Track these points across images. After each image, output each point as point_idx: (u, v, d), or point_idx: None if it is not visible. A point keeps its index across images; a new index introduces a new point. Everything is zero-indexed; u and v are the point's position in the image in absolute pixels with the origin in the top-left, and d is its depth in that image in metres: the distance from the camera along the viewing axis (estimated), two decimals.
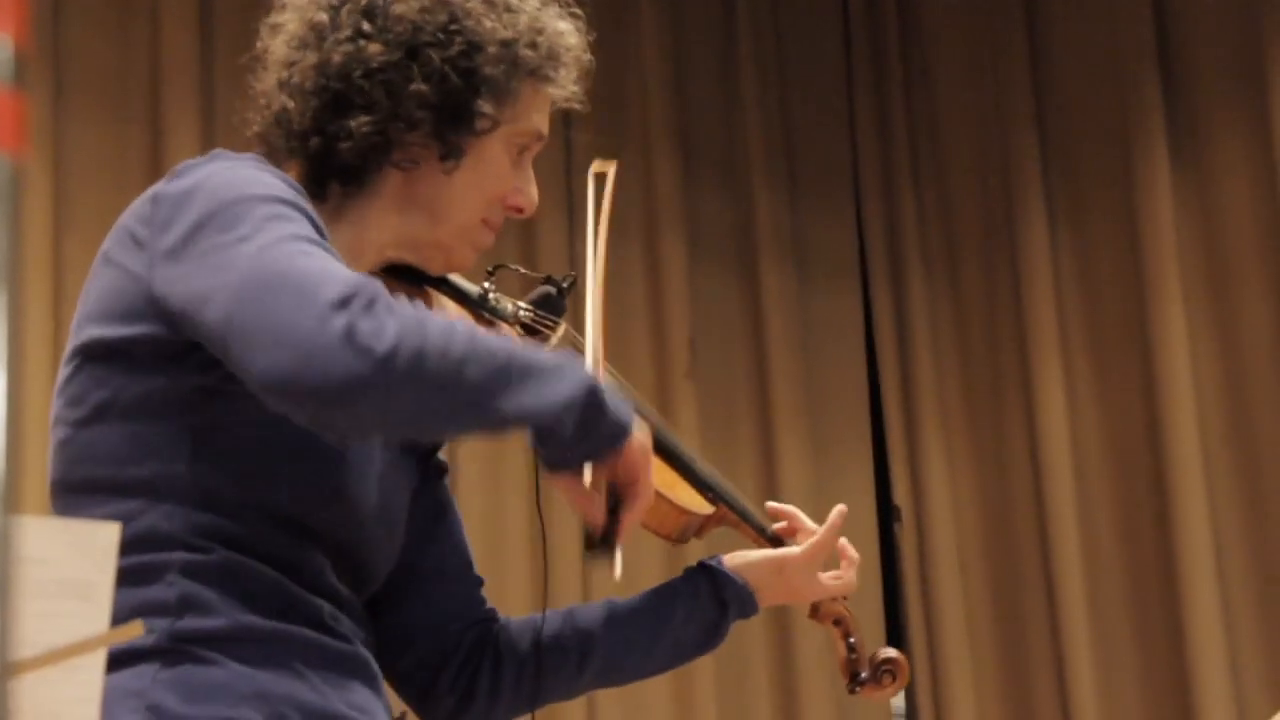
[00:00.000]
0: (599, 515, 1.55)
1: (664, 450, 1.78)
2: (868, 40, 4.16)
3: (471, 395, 1.45)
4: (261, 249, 1.47)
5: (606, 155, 1.89)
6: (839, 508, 1.84)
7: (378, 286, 1.43)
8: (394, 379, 1.41)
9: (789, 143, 4.04)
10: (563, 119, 1.93)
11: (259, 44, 1.65)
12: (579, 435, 1.48)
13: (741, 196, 3.85)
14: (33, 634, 1.00)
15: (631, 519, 1.58)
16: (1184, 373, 3.49)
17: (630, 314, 3.56)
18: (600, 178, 1.85)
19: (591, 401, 1.46)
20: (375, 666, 1.67)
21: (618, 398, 1.52)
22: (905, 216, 4.00)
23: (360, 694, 1.61)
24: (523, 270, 1.94)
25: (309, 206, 1.56)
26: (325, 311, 1.40)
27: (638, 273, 3.63)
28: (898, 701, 3.80)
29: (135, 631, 1.26)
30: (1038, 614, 3.67)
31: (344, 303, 1.39)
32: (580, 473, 1.53)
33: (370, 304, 1.41)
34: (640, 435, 1.53)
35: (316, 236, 1.52)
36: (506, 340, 1.57)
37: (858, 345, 3.92)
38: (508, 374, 1.45)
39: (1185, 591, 3.40)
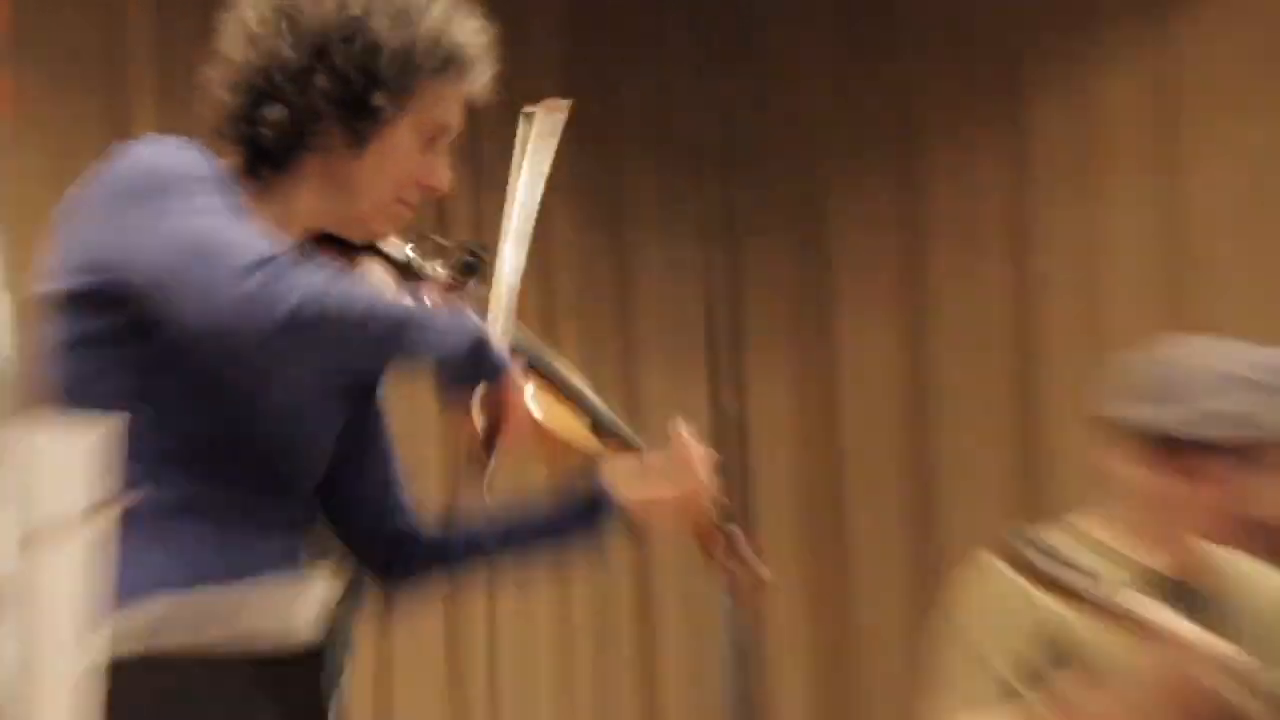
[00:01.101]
0: (475, 440, 1.73)
1: (566, 390, 1.98)
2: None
3: (368, 346, 1.68)
4: (187, 219, 1.65)
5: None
6: (678, 423, 2.02)
7: (289, 255, 1.63)
8: (297, 331, 1.60)
9: (658, 122, 4.71)
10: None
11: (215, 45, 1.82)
12: (462, 377, 1.68)
13: (613, 169, 4.54)
14: (53, 505, 1.14)
15: (504, 443, 1.74)
16: (947, 316, 4.36)
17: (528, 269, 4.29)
18: (529, 117, 1.94)
19: (473, 349, 1.65)
20: (297, 531, 1.91)
21: (497, 346, 1.69)
22: (740, 189, 4.70)
23: (275, 544, 1.84)
24: (441, 240, 2.04)
25: (226, 180, 1.74)
26: (242, 274, 1.58)
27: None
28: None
29: (134, 499, 1.53)
30: (832, 489, 4.55)
31: (258, 266, 1.58)
32: (467, 406, 1.71)
33: (281, 269, 1.59)
34: (515, 377, 1.71)
35: (231, 207, 1.70)
36: (406, 304, 1.74)
37: (699, 291, 4.69)
38: (402, 329, 1.65)
39: (942, 482, 4.32)
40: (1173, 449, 2.21)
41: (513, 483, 1.98)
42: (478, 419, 1.72)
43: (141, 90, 3.77)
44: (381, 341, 1.67)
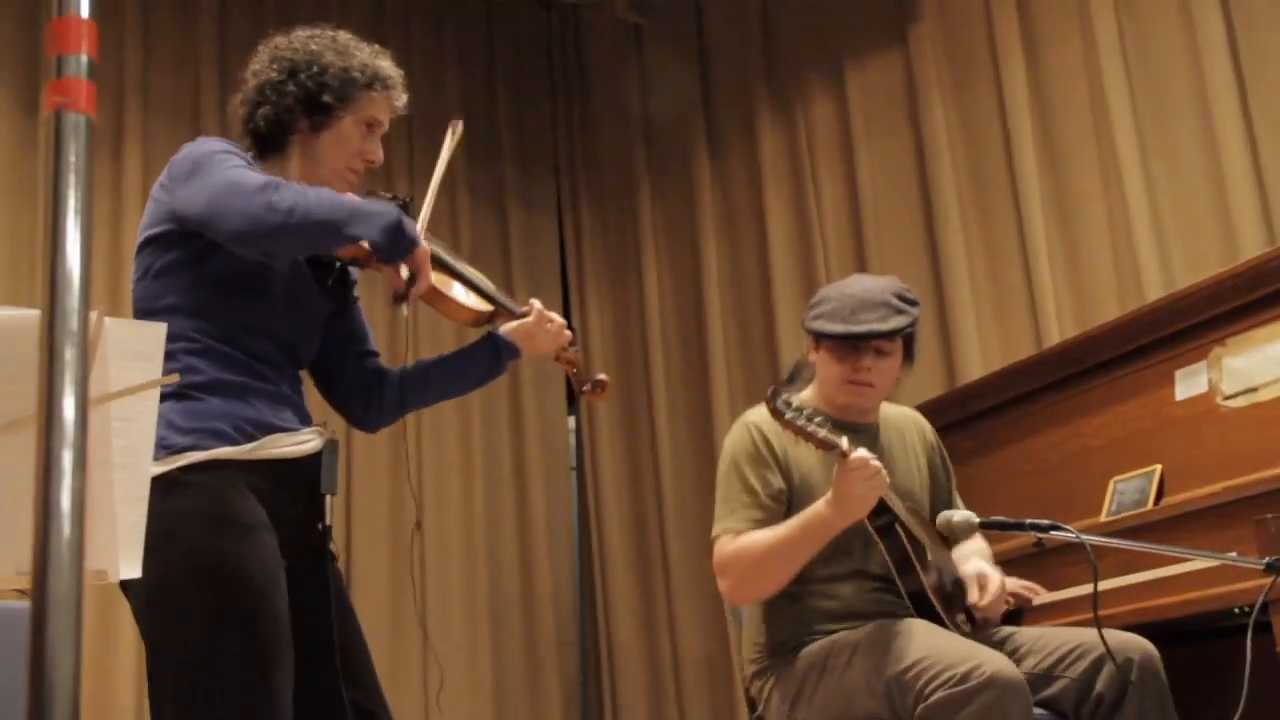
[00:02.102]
0: (401, 284, 2.15)
1: (461, 276, 2.33)
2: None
3: (335, 228, 2.02)
4: (219, 173, 2.04)
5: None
6: (533, 300, 2.46)
7: (280, 179, 2.02)
8: (293, 223, 1.97)
9: (518, 144, 5.79)
10: (405, 124, 2.54)
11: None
12: (388, 244, 2.07)
13: (495, 167, 5.72)
14: (121, 380, 1.36)
15: (418, 289, 2.15)
16: (714, 277, 5.21)
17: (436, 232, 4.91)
18: (454, 128, 2.48)
19: (395, 226, 2.06)
20: (298, 399, 2.22)
21: (413, 227, 2.09)
22: (580, 187, 5.85)
23: (283, 412, 2.16)
24: (382, 193, 2.34)
25: (245, 155, 2.14)
26: (254, 193, 1.98)
27: (445, 215, 5.28)
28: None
29: (174, 379, 1.87)
30: (639, 370, 5.47)
31: (262, 189, 1.98)
32: (396, 266, 2.12)
33: (278, 188, 1.98)
34: (425, 247, 2.11)
35: (247, 164, 2.10)
36: (354, 199, 2.10)
37: (553, 250, 5.90)
38: (355, 215, 2.03)
39: (713, 399, 5.12)
40: (823, 344, 2.79)
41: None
42: (402, 273, 2.13)
43: (210, 118, 4.93)
44: (343, 224, 2.02)
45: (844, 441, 2.43)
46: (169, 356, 1.99)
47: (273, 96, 2.20)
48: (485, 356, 2.40)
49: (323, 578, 2.13)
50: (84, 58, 1.01)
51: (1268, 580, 2.18)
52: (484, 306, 2.33)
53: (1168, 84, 3.94)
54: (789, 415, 2.41)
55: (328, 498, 2.14)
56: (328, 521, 2.14)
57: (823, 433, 2.42)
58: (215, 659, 1.93)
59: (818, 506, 2.53)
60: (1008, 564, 3.04)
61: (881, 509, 2.57)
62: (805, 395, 2.82)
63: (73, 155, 0.98)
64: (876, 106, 4.77)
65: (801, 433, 2.41)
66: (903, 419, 2.93)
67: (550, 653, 5.33)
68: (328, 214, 2.01)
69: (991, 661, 2.28)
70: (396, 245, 2.08)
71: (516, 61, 5.95)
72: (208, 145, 2.13)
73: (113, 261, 4.66)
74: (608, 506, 5.48)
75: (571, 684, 5.46)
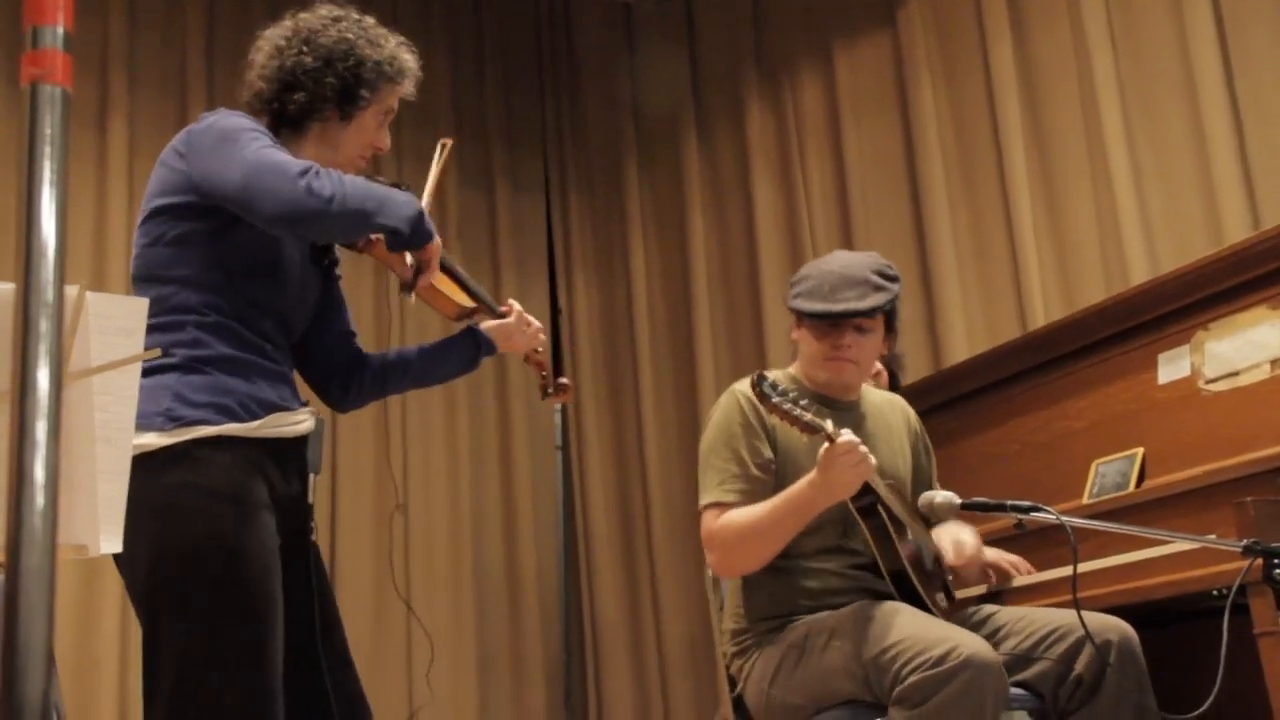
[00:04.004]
0: (409, 274, 2.21)
1: (450, 271, 2.37)
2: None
3: (366, 216, 2.04)
4: (253, 151, 2.03)
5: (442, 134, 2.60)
6: (512, 301, 2.53)
7: (318, 165, 2.03)
8: (333, 210, 1.99)
9: (507, 124, 5.78)
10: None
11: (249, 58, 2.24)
12: (410, 234, 2.10)
13: (483, 147, 5.72)
14: (103, 355, 1.35)
15: (425, 279, 2.21)
16: (701, 257, 5.28)
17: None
18: (443, 146, 2.54)
19: (418, 218, 2.11)
20: (292, 377, 2.25)
21: (430, 222, 2.14)
22: (568, 167, 5.84)
23: (283, 390, 2.19)
24: (380, 179, 2.29)
25: (269, 134, 2.14)
26: (296, 178, 1.97)
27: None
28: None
29: (155, 354, 1.81)
30: (625, 350, 5.54)
31: (303, 174, 1.98)
32: (403, 255, 2.18)
33: (318, 174, 1.99)
34: (436, 241, 2.17)
35: (275, 144, 2.09)
36: (383, 188, 2.12)
37: (541, 230, 5.89)
38: (385, 204, 2.06)
39: (699, 379, 5.16)
40: (805, 322, 2.78)
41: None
42: (409, 262, 2.22)
43: (196, 91, 4.93)
44: (374, 213, 2.07)
45: (829, 425, 2.43)
46: (178, 328, 2.03)
47: (309, 84, 2.19)
48: (465, 350, 2.44)
49: (306, 557, 2.14)
50: (60, 29, 1.00)
51: (1245, 563, 2.20)
52: (467, 302, 2.38)
53: (1155, 69, 3.95)
54: (775, 399, 2.42)
55: (311, 476, 2.18)
56: (310, 499, 2.17)
57: (808, 416, 2.42)
58: (215, 638, 1.93)
59: (801, 486, 2.54)
60: (989, 545, 3.04)
61: (865, 489, 2.57)
62: (790, 371, 2.83)
63: (48, 127, 0.97)
64: (865, 88, 4.78)
65: (787, 416, 2.42)
66: (887, 403, 2.94)
67: (534, 631, 5.35)
68: (361, 202, 2.03)
69: (968, 644, 2.30)
70: (416, 236, 2.11)
71: (505, 41, 5.93)
72: (234, 120, 2.13)
73: (97, 235, 4.60)
74: (593, 486, 5.51)
75: (555, 662, 5.48)
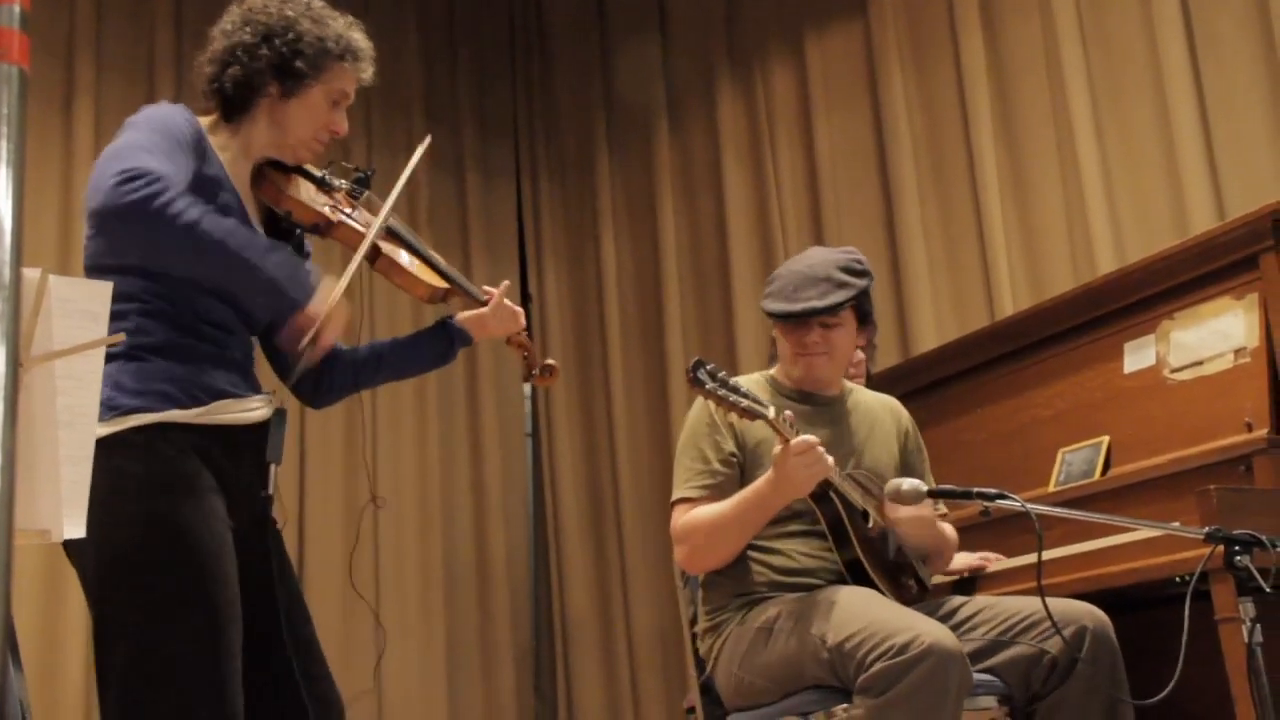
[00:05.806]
0: (306, 336, 2.10)
1: (423, 255, 2.35)
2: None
3: (217, 271, 2.00)
4: (125, 139, 1.98)
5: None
6: (504, 284, 2.49)
7: (178, 185, 1.93)
8: (193, 243, 1.93)
9: (478, 110, 5.77)
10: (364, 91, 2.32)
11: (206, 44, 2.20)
12: (285, 303, 2.08)
13: (454, 133, 5.69)
14: (66, 339, 1.34)
15: (324, 341, 2.11)
16: (671, 245, 5.24)
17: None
18: (423, 144, 2.47)
19: (279, 288, 2.03)
20: (249, 364, 2.19)
21: (302, 286, 2.06)
22: (539, 154, 5.85)
23: (233, 377, 2.14)
24: (345, 164, 2.40)
25: (184, 136, 2.05)
26: (119, 174, 1.88)
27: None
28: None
29: (119, 339, 1.86)
30: (595, 338, 5.52)
31: (138, 175, 1.88)
32: (298, 313, 2.10)
33: (154, 181, 1.88)
34: (317, 300, 2.08)
35: (168, 147, 1.99)
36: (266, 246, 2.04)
37: (511, 217, 5.89)
38: (259, 254, 2.01)
39: (669, 368, 5.18)
40: (774, 322, 2.83)
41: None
42: (307, 325, 2.10)
43: (164, 76, 4.89)
44: (231, 270, 1.99)
45: (770, 411, 2.44)
46: (120, 316, 1.97)
47: (244, 58, 2.17)
48: (438, 342, 2.41)
49: (264, 546, 2.12)
50: (16, 8, 0.98)
51: (1207, 550, 2.22)
52: (439, 283, 2.33)
53: (1123, 61, 3.98)
54: (708, 386, 2.40)
55: (272, 466, 2.13)
56: (270, 490, 2.13)
57: (744, 403, 2.41)
58: (166, 622, 1.91)
59: (759, 485, 2.57)
60: (958, 533, 3.06)
61: (824, 484, 2.60)
62: (772, 372, 2.88)
63: (4, 106, 0.95)
64: (836, 77, 4.79)
65: (724, 403, 2.41)
66: (878, 404, 2.96)
67: (504, 619, 5.34)
68: (222, 236, 1.98)
69: (930, 632, 2.31)
70: (280, 300, 2.08)
71: (477, 27, 5.90)
72: (151, 112, 2.10)
73: (63, 219, 4.57)
74: (563, 473, 5.52)
75: (525, 650, 5.48)
